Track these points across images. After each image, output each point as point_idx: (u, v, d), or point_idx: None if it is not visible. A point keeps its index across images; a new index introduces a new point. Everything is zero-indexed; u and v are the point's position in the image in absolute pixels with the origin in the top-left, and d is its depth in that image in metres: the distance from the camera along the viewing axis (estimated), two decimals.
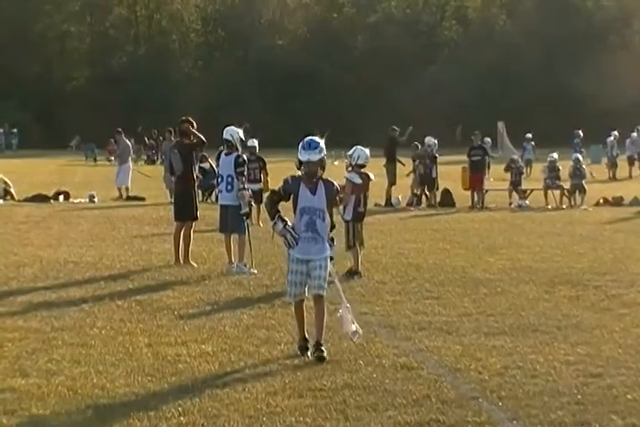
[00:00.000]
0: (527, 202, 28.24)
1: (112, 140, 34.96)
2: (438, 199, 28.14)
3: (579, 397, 7.90)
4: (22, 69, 77.84)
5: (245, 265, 14.55)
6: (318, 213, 9.20)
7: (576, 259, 16.24)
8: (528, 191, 29.21)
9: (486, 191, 28.31)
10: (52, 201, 27.77)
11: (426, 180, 28.04)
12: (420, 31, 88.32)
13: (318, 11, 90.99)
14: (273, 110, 75.82)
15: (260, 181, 21.46)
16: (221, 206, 15.10)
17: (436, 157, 28.20)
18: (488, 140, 38.76)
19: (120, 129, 32.61)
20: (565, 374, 8.62)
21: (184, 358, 9.14)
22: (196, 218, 15.62)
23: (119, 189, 29.76)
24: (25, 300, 12.07)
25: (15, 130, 69.06)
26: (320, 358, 8.98)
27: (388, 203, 27.69)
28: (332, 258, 9.52)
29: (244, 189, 14.72)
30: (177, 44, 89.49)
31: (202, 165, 26.00)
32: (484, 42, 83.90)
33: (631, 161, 43.63)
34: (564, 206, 27.96)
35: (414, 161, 28.91)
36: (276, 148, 43.94)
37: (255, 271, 14.37)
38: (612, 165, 42.36)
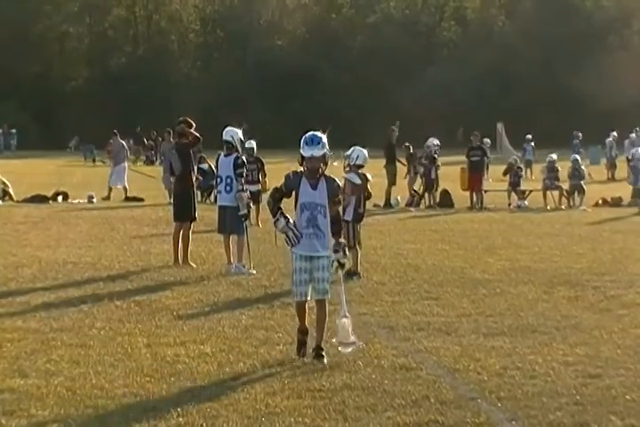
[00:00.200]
0: (526, 203, 28.25)
1: (111, 141, 34.97)
2: (437, 200, 28.16)
3: (577, 397, 7.89)
4: (21, 70, 77.80)
5: (244, 266, 14.55)
6: (319, 208, 9.08)
7: (575, 259, 16.24)
8: (527, 192, 29.23)
9: (485, 192, 28.33)
10: (50, 202, 27.76)
11: (425, 180, 28.09)
12: (418, 32, 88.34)
13: (317, 11, 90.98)
14: (272, 111, 75.87)
15: (259, 182, 21.45)
16: (220, 207, 15.09)
17: (434, 158, 28.22)
18: (487, 140, 38.80)
19: (115, 131, 32.60)
20: (564, 374, 8.62)
21: (183, 358, 9.14)
22: (195, 219, 15.61)
23: (109, 189, 29.69)
24: (24, 300, 12.06)
25: (14, 130, 69.04)
26: (319, 359, 8.97)
27: (388, 203, 27.70)
28: (343, 265, 9.30)
29: (242, 190, 14.73)
30: (176, 44, 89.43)
31: (201, 165, 26.00)
32: (482, 42, 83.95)
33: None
34: (563, 207, 27.97)
35: (409, 162, 29.00)
36: (275, 148, 43.97)
37: (254, 272, 14.37)
38: (611, 165, 42.39)
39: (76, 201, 28.08)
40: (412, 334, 10.24)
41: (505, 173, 29.56)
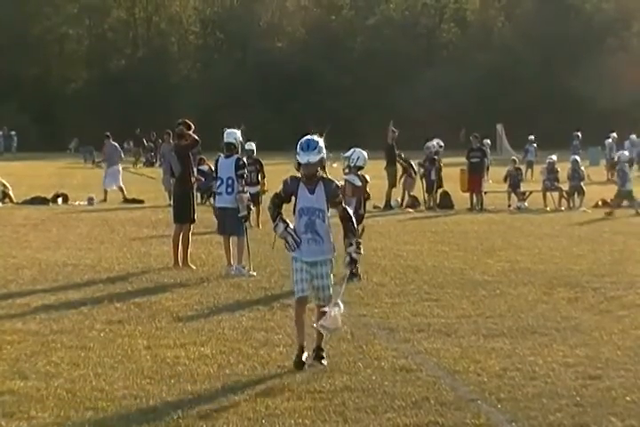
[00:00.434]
0: (526, 204, 28.24)
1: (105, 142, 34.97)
2: (437, 201, 28.15)
3: (577, 399, 7.89)
4: (21, 72, 77.88)
5: (244, 267, 14.56)
6: (317, 213, 8.97)
7: (575, 261, 16.24)
8: (527, 193, 29.23)
9: (485, 193, 28.33)
10: (50, 204, 27.76)
11: (425, 182, 28.10)
12: (418, 33, 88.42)
13: (317, 13, 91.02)
14: (272, 112, 75.88)
15: (258, 183, 21.45)
16: (220, 209, 15.08)
17: (434, 160, 28.22)
18: (487, 141, 38.78)
19: (108, 133, 32.59)
20: (564, 376, 8.62)
21: (183, 360, 9.13)
22: (194, 220, 15.60)
23: (105, 192, 29.74)
24: (24, 302, 12.05)
25: (14, 132, 69.06)
26: (319, 361, 8.97)
27: (388, 205, 27.70)
28: (355, 261, 9.06)
29: (242, 192, 14.74)
30: (175, 46, 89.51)
31: (200, 167, 25.99)
32: (482, 44, 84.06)
33: (630, 163, 43.59)
34: (563, 208, 27.97)
35: (405, 163, 28.99)
36: (274, 150, 43.95)
37: (254, 273, 14.37)
38: (611, 166, 42.34)
39: (76, 203, 28.09)
40: (411, 335, 10.24)
41: (505, 180, 29.52)
